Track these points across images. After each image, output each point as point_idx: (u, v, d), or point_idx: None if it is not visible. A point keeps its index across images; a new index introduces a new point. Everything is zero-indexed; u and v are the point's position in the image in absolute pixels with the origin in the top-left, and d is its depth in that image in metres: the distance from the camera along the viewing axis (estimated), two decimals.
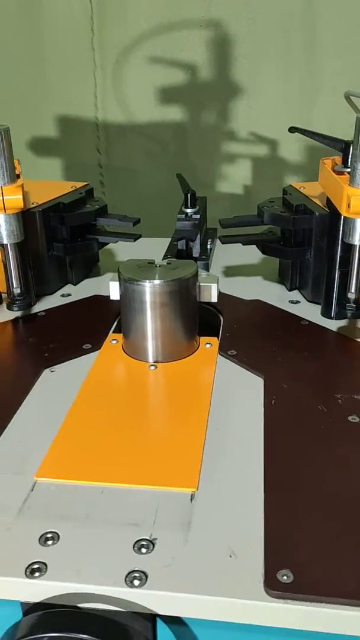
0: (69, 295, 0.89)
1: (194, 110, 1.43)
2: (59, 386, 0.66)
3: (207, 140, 1.46)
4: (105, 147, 1.51)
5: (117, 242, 0.89)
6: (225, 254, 0.99)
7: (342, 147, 0.70)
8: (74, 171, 1.55)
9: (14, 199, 0.69)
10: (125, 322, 0.70)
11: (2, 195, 0.68)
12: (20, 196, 0.69)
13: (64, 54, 1.42)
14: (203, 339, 0.73)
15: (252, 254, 0.93)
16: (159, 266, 0.70)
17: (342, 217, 0.71)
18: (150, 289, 0.66)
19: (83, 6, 1.36)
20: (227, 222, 0.85)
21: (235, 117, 1.41)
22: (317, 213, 0.78)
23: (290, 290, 0.87)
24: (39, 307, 0.84)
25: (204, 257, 0.96)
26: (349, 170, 0.70)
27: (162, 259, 0.96)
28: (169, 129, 1.46)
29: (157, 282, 0.66)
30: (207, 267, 0.95)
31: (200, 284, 0.70)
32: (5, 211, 0.69)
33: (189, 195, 0.95)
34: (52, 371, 0.69)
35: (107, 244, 0.90)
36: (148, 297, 0.67)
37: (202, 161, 1.48)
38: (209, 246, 1.01)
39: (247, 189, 1.48)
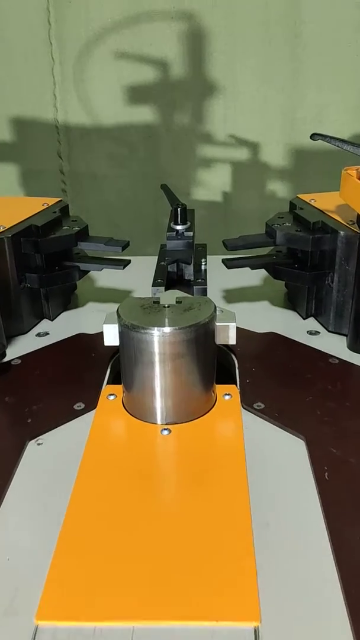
0: (46, 334, 0.74)
1: (166, 111, 1.30)
2: (49, 466, 0.52)
3: (180, 144, 1.33)
4: (67, 152, 1.36)
5: (102, 270, 0.74)
6: (217, 274, 0.86)
7: None
8: (33, 179, 1.39)
9: None
10: (129, 376, 0.57)
11: None
12: None
13: (16, 48, 1.25)
14: (220, 389, 0.60)
15: (248, 274, 0.82)
16: (168, 307, 0.56)
17: None
18: (159, 339, 0.53)
19: None
20: (233, 244, 0.73)
21: (211, 118, 1.29)
22: (341, 232, 0.67)
23: (305, 318, 0.76)
24: (12, 352, 0.69)
25: (200, 280, 0.83)
26: None
27: (153, 285, 0.83)
28: (138, 131, 1.32)
29: (168, 329, 0.53)
30: (205, 293, 0.82)
31: (216, 323, 0.58)
32: None
33: (178, 209, 0.82)
34: (38, 443, 0.55)
35: (89, 271, 0.76)
36: (158, 348, 0.53)
37: (175, 166, 1.35)
38: (203, 267, 0.88)
39: (226, 195, 1.36)
